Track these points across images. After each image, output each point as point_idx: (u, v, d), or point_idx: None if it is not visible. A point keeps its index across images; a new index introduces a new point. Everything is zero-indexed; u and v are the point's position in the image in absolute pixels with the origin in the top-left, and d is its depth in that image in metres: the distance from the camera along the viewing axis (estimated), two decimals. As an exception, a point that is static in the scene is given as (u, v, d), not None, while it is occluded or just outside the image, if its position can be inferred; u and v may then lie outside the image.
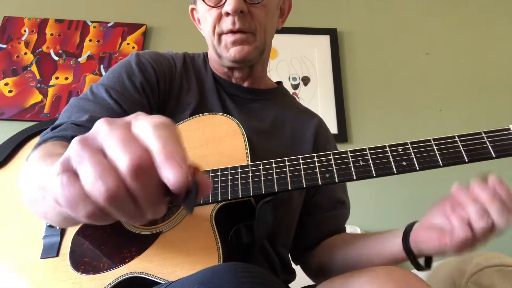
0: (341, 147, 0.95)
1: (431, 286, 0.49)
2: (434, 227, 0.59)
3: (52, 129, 0.65)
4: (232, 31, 0.74)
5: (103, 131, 0.30)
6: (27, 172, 0.50)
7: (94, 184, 0.28)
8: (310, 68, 1.98)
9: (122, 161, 0.28)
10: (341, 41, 2.06)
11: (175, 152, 0.29)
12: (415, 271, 0.87)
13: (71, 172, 0.29)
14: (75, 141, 0.30)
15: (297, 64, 1.99)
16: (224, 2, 0.72)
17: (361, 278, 0.51)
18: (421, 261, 0.63)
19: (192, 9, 0.87)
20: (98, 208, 0.29)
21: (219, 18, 0.75)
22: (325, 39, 2.04)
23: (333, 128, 1.82)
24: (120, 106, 0.69)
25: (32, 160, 0.52)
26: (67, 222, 0.48)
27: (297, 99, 1.88)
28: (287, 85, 1.93)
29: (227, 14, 0.72)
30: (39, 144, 0.61)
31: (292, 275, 0.84)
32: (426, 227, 0.60)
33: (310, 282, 0.82)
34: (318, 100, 1.91)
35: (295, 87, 1.94)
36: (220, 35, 0.76)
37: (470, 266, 0.72)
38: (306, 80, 1.96)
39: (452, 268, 0.75)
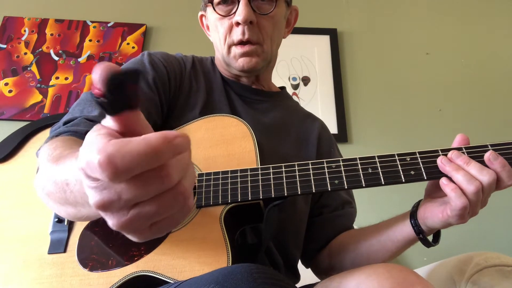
0: (341, 147, 0.96)
1: (429, 282, 0.49)
2: (436, 201, 0.62)
3: (64, 123, 0.66)
4: (241, 42, 0.77)
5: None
6: (44, 167, 0.51)
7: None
8: (310, 68, 1.98)
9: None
10: (341, 41, 2.06)
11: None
12: (418, 270, 0.87)
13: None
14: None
15: (297, 64, 1.99)
16: (235, 12, 0.75)
17: (360, 275, 0.51)
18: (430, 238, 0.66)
19: (202, 16, 0.89)
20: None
21: (230, 29, 0.78)
22: (325, 39, 2.04)
23: (333, 128, 1.82)
24: None
25: (47, 155, 0.52)
26: (87, 219, 0.50)
27: (297, 99, 1.89)
28: (287, 85, 1.93)
29: (237, 24, 0.76)
30: (51, 138, 0.61)
31: (296, 279, 0.84)
32: (430, 203, 0.63)
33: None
34: (318, 100, 1.91)
35: (295, 87, 1.94)
36: (230, 46, 0.79)
37: (470, 266, 0.72)
38: (306, 80, 1.96)
39: (452, 268, 0.75)
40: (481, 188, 0.55)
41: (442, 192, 0.59)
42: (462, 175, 0.56)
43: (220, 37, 0.79)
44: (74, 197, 0.42)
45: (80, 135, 0.61)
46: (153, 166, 0.28)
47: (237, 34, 0.76)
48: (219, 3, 0.78)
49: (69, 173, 0.42)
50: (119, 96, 0.28)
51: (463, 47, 2.08)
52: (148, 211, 0.29)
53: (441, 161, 0.58)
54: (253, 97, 0.86)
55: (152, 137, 0.28)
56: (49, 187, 0.47)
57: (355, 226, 0.89)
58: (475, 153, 0.59)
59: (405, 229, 0.66)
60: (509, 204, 1.72)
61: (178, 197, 0.30)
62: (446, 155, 0.59)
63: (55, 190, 0.45)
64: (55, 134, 0.63)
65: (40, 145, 0.64)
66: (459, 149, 0.60)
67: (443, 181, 0.57)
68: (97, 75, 0.28)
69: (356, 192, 0.93)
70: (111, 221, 0.30)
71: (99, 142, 0.28)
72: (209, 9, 0.81)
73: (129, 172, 0.27)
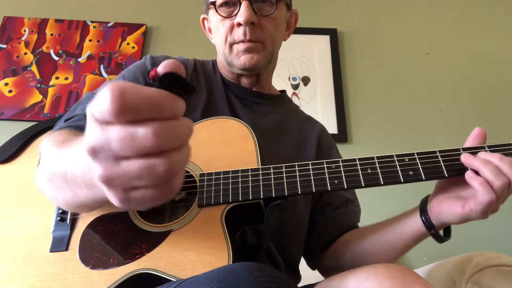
0: (341, 147, 0.97)
1: (429, 282, 0.49)
2: (452, 196, 0.62)
3: (65, 120, 0.68)
4: (243, 41, 0.78)
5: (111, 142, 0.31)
6: (47, 152, 0.53)
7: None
8: (310, 68, 1.98)
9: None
10: (341, 41, 2.06)
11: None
12: (418, 270, 0.87)
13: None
14: (103, 184, 0.32)
15: (297, 64, 1.99)
16: (236, 13, 0.77)
17: (360, 275, 0.51)
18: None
19: (204, 19, 0.91)
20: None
21: (231, 29, 0.79)
22: (325, 39, 2.04)
23: (333, 128, 1.82)
24: None
25: (49, 146, 0.54)
26: (83, 207, 0.51)
27: (297, 99, 1.89)
28: (287, 85, 1.93)
29: (239, 25, 0.77)
30: (53, 132, 0.62)
31: (296, 279, 0.84)
32: (445, 197, 0.62)
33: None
34: (318, 100, 1.91)
35: (295, 87, 1.94)
36: (231, 45, 0.80)
37: (470, 266, 0.72)
38: (306, 80, 1.96)
39: (452, 268, 0.75)
40: (508, 184, 0.55)
41: (457, 186, 0.60)
42: (489, 169, 0.56)
43: (221, 37, 0.80)
44: (74, 178, 0.42)
45: (81, 129, 0.62)
46: (153, 115, 0.30)
47: (239, 34, 0.78)
48: (221, 5, 0.79)
49: (73, 154, 0.43)
50: (163, 88, 0.31)
51: (463, 47, 2.08)
52: (131, 169, 0.31)
53: (465, 157, 0.59)
54: (253, 99, 0.87)
55: (163, 91, 0.31)
56: (52, 169, 0.48)
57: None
58: (474, 154, 0.60)
59: (415, 225, 0.66)
60: (509, 204, 1.72)
61: (161, 167, 0.31)
62: (445, 156, 0.60)
63: (56, 172, 0.46)
64: (56, 129, 0.65)
65: None
66: (456, 150, 0.61)
67: (469, 174, 0.57)
68: (164, 64, 0.32)
69: (358, 194, 0.93)
70: (98, 169, 0.32)
71: (116, 82, 0.30)
72: (211, 11, 0.82)
73: (133, 111, 0.29)
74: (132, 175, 0.31)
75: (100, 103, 0.29)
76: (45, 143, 0.56)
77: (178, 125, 0.32)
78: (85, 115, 0.66)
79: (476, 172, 0.57)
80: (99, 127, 0.30)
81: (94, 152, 0.31)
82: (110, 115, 0.29)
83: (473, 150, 0.60)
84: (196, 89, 0.80)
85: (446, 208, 0.61)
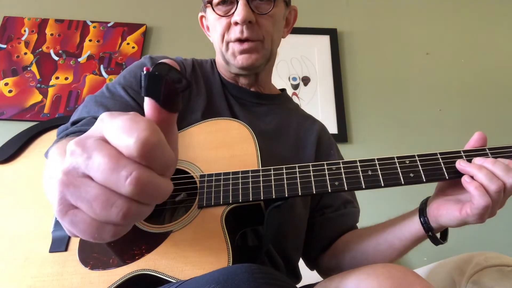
0: (341, 147, 0.97)
1: (429, 283, 0.49)
2: (450, 199, 0.62)
3: (72, 123, 0.67)
4: (240, 40, 0.77)
5: (81, 162, 0.30)
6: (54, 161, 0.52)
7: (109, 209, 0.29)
8: (310, 68, 1.98)
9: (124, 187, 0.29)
10: (341, 41, 2.06)
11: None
12: (418, 270, 0.87)
13: (72, 208, 0.31)
14: (59, 181, 0.30)
15: (297, 64, 1.99)
16: (233, 12, 0.76)
17: (360, 275, 0.52)
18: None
19: (202, 17, 0.90)
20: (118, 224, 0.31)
21: (228, 27, 0.78)
22: (325, 39, 2.04)
23: (333, 128, 1.82)
24: (137, 103, 0.72)
25: (59, 150, 0.53)
26: None
27: (297, 99, 1.89)
28: (287, 85, 1.93)
29: (236, 23, 0.76)
30: (60, 138, 0.62)
31: (297, 279, 0.84)
32: (444, 200, 0.62)
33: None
34: (318, 100, 1.91)
35: (295, 87, 1.94)
36: (228, 43, 0.79)
37: (470, 266, 0.72)
38: (306, 80, 1.96)
39: (452, 268, 0.75)
40: (503, 188, 0.55)
41: (457, 189, 0.60)
42: (484, 173, 0.56)
43: (218, 36, 0.80)
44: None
45: None
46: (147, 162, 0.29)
47: (235, 32, 0.77)
48: (218, 4, 0.78)
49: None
50: (153, 80, 0.31)
51: (463, 47, 2.08)
52: (88, 190, 0.29)
53: (460, 164, 0.59)
54: (252, 100, 0.87)
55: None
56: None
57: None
58: (474, 156, 0.60)
59: (414, 227, 0.66)
60: (509, 204, 1.72)
61: (117, 209, 0.29)
62: (445, 158, 0.60)
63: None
64: (64, 134, 0.64)
65: (44, 146, 0.64)
66: (457, 152, 0.61)
67: (465, 179, 0.58)
68: (162, 60, 0.31)
69: (358, 194, 0.93)
70: (64, 166, 0.30)
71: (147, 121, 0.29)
72: (209, 10, 0.81)
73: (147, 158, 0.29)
74: (85, 196, 0.29)
75: (126, 135, 0.28)
76: (53, 152, 0.55)
77: (162, 185, 0.30)
78: (93, 118, 0.66)
79: (473, 178, 0.58)
80: (93, 141, 0.29)
81: (72, 153, 0.30)
82: (131, 152, 0.28)
83: (474, 153, 0.60)
84: (191, 86, 0.79)
85: (444, 211, 0.61)
